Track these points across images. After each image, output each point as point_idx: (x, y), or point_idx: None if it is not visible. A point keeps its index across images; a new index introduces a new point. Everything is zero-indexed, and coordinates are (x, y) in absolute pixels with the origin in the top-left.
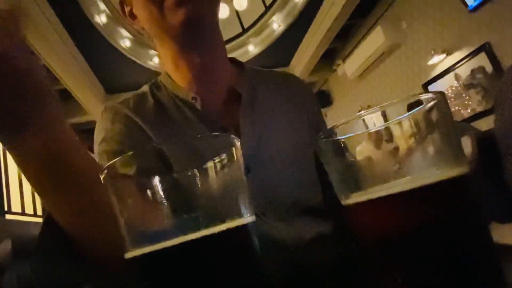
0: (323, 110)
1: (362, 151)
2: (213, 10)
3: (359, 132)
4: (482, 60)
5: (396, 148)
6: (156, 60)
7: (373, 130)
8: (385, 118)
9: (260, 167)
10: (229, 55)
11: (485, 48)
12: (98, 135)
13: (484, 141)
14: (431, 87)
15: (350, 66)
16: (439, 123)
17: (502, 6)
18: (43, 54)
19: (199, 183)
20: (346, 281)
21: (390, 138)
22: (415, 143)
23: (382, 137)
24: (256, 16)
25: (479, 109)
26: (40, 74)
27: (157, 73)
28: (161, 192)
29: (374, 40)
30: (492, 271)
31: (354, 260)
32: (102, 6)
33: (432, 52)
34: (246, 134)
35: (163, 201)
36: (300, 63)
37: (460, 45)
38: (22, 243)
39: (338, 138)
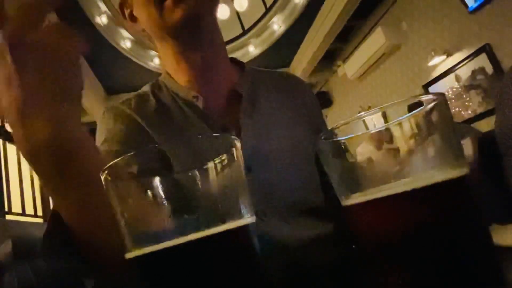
0: (324, 111)
1: (362, 152)
2: (211, 8)
3: (359, 133)
4: (482, 61)
5: (397, 149)
6: (156, 61)
7: (373, 131)
8: (385, 119)
9: (261, 167)
10: (230, 56)
11: (486, 49)
12: (99, 136)
13: (485, 142)
14: (431, 88)
15: (351, 67)
16: (440, 124)
17: (503, 7)
18: None
19: (199, 183)
20: (346, 281)
21: (391, 139)
22: (416, 144)
23: (382, 138)
24: (257, 17)
25: (480, 110)
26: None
27: (157, 74)
28: (161, 192)
29: (375, 41)
30: (492, 272)
31: (354, 260)
32: (103, 7)
33: (433, 53)
34: (246, 134)
35: (164, 201)
36: (301, 64)
37: (461, 46)
38: (22, 244)
39: (338, 139)
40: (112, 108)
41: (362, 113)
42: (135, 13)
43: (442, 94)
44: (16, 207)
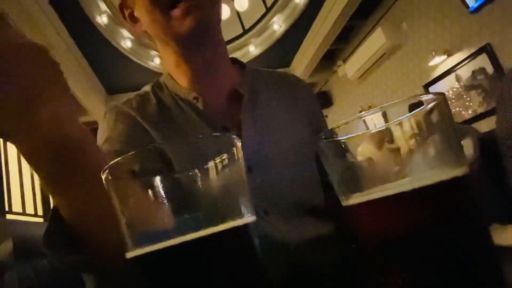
0: (324, 111)
1: (362, 151)
2: (218, 14)
3: (359, 133)
4: (483, 61)
5: (397, 149)
6: (157, 60)
7: (373, 131)
8: (385, 119)
9: (262, 167)
10: (230, 56)
11: (486, 49)
12: (101, 135)
13: (485, 142)
14: (432, 88)
15: (351, 67)
16: (440, 124)
17: (503, 7)
18: None
19: (200, 183)
20: (346, 281)
21: (391, 139)
22: (416, 144)
23: (383, 138)
24: (257, 17)
25: (480, 110)
26: (58, 66)
27: (158, 74)
28: (162, 192)
29: (375, 41)
30: (492, 272)
31: (355, 260)
32: (103, 6)
33: (433, 53)
34: (247, 133)
35: (164, 201)
36: (301, 64)
37: (461, 46)
38: (23, 243)
39: (338, 138)
40: (113, 108)
41: (363, 113)
42: (136, 14)
43: (443, 94)
44: (17, 206)
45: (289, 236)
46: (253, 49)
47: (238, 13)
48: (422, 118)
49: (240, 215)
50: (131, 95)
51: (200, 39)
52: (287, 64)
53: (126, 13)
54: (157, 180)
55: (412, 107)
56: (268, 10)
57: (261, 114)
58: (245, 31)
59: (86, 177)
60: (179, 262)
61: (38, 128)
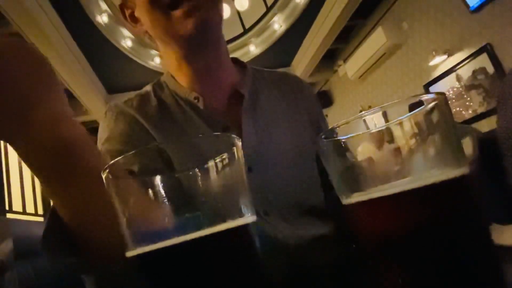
0: (324, 111)
1: (363, 151)
2: (219, 15)
3: (360, 133)
4: (483, 61)
5: (397, 149)
6: (157, 60)
7: (374, 131)
8: (386, 119)
9: (262, 167)
10: (230, 56)
11: (487, 49)
12: (101, 135)
13: (485, 142)
14: (432, 88)
15: (351, 66)
16: (440, 124)
17: (503, 7)
18: (44, 54)
19: (200, 182)
20: (346, 281)
21: (391, 138)
22: (416, 144)
23: (383, 138)
24: (258, 17)
25: (480, 110)
26: (51, 67)
27: (158, 73)
28: (162, 191)
29: (375, 41)
30: (492, 272)
31: (355, 260)
32: (104, 6)
33: (433, 53)
34: (248, 133)
35: (165, 201)
36: (301, 64)
37: (462, 46)
38: (23, 242)
39: (339, 138)
40: (114, 107)
41: (363, 112)
42: (136, 14)
43: (443, 94)
44: (17, 205)
45: (289, 236)
46: (253, 49)
47: (238, 13)
48: (422, 118)
49: (240, 215)
50: (132, 94)
51: (201, 40)
52: (288, 63)
53: (127, 13)
54: (157, 179)
55: (412, 107)
56: (268, 9)
57: (261, 114)
58: (246, 31)
59: (84, 177)
60: (179, 262)
61: (34, 130)
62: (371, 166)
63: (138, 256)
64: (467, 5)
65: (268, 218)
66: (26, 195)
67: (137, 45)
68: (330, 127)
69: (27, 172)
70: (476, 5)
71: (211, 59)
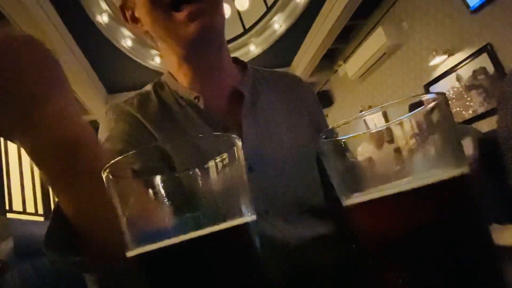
0: (324, 111)
1: (363, 151)
2: (222, 18)
3: (360, 133)
4: (483, 61)
5: (397, 149)
6: (157, 59)
7: (374, 131)
8: (386, 119)
9: (262, 167)
10: (231, 56)
11: (487, 49)
12: (102, 134)
13: (486, 142)
14: (432, 88)
15: (351, 66)
16: (440, 124)
17: (504, 7)
18: None
19: (200, 182)
20: (346, 281)
21: (391, 138)
22: (416, 143)
23: (383, 138)
24: (258, 17)
25: (481, 110)
26: (59, 63)
27: (158, 73)
28: (163, 191)
29: (376, 41)
30: (492, 271)
31: (355, 260)
32: (104, 5)
33: (434, 53)
34: (248, 133)
35: (165, 200)
36: (302, 64)
37: (462, 46)
38: (23, 242)
39: (339, 138)
40: (114, 106)
41: (363, 112)
42: (137, 15)
43: (443, 94)
44: (17, 205)
45: (289, 236)
46: (253, 49)
47: (238, 13)
48: (423, 118)
49: (240, 214)
50: (132, 94)
51: (204, 44)
52: (288, 63)
53: (127, 14)
54: (158, 179)
55: (413, 107)
56: (268, 9)
57: (262, 114)
58: (246, 31)
59: (89, 175)
60: (179, 261)
61: (41, 127)
62: (371, 166)
63: (139, 255)
64: (467, 5)
65: (268, 217)
66: (26, 195)
67: (137, 45)
68: (330, 127)
69: (27, 171)
70: (476, 5)
71: (212, 60)
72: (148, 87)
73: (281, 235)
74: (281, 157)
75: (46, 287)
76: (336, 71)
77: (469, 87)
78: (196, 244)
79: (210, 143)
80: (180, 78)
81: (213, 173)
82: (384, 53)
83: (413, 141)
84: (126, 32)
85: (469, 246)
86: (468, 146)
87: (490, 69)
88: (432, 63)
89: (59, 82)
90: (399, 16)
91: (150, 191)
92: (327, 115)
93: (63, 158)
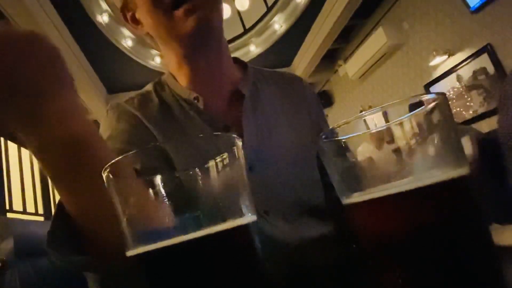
0: (325, 111)
1: (363, 151)
2: (220, 13)
3: (360, 133)
4: (484, 61)
5: (397, 149)
6: (157, 59)
7: (374, 131)
8: (386, 119)
9: (263, 167)
10: (231, 56)
11: (487, 49)
12: (103, 134)
13: (486, 142)
14: (432, 88)
15: (352, 66)
16: (440, 124)
17: (504, 7)
18: None
19: (201, 182)
20: (346, 281)
21: (391, 138)
22: (416, 144)
23: (383, 138)
24: (258, 16)
25: (481, 110)
26: (64, 60)
27: (158, 73)
28: (163, 191)
29: (376, 41)
30: (492, 272)
31: (355, 260)
32: (104, 5)
33: (434, 53)
34: (248, 133)
35: (165, 200)
36: (302, 64)
37: (462, 46)
38: (23, 242)
39: (339, 138)
40: (115, 106)
41: (363, 112)
42: (138, 16)
43: (443, 94)
44: (17, 205)
45: (289, 236)
46: (253, 49)
47: (239, 12)
48: (423, 118)
49: (240, 214)
50: (133, 94)
51: (203, 38)
52: (288, 63)
53: (128, 15)
54: (158, 179)
55: (413, 107)
56: (269, 9)
57: (262, 114)
58: (246, 31)
59: (93, 172)
60: (179, 261)
61: (45, 125)
62: (371, 166)
63: (139, 255)
64: (467, 5)
65: (268, 217)
66: (27, 195)
67: (137, 45)
68: (330, 127)
69: (27, 171)
70: (476, 5)
71: (212, 59)
72: (149, 87)
73: (281, 235)
74: (282, 157)
75: (46, 287)
76: (336, 71)
77: (469, 87)
78: (196, 244)
79: (210, 143)
80: (180, 78)
81: (213, 173)
82: (384, 53)
83: (413, 141)
84: (126, 32)
85: (469, 246)
86: (468, 146)
87: (491, 69)
88: (432, 63)
89: (65, 80)
90: (399, 16)
91: (151, 190)
92: (327, 115)
93: (68, 155)
